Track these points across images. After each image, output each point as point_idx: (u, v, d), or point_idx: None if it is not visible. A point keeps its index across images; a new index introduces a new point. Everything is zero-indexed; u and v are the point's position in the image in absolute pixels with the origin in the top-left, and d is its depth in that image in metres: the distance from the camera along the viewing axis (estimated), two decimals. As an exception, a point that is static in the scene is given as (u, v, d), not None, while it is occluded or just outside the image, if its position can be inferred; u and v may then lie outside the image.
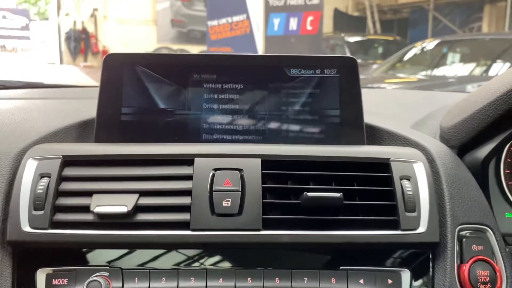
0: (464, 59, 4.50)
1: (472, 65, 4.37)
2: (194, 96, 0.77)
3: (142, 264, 0.63)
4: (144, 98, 0.76)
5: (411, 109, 0.96)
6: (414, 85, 3.93)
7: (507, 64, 3.92)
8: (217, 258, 0.64)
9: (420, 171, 0.67)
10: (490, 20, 10.04)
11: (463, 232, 0.64)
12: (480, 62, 4.28)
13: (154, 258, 0.63)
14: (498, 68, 3.93)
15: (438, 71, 4.44)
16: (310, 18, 6.24)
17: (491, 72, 3.90)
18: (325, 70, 0.77)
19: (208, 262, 0.64)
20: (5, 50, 13.85)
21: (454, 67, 4.38)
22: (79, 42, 11.99)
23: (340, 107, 0.76)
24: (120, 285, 0.61)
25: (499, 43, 4.36)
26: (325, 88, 0.77)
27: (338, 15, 11.27)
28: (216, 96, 0.77)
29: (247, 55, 0.78)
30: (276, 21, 6.41)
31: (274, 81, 0.77)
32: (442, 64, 4.55)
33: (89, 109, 0.81)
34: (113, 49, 11.87)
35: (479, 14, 10.24)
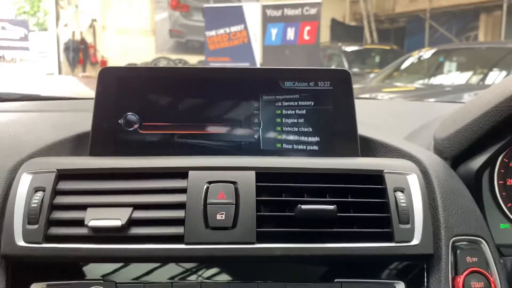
0: (461, 68, 4.53)
1: (468, 74, 4.39)
2: (188, 109, 0.77)
3: (137, 278, 0.63)
4: (139, 112, 0.77)
5: (405, 120, 0.97)
6: (411, 94, 3.95)
7: (504, 73, 3.94)
8: (211, 271, 0.64)
9: (414, 183, 0.67)
10: (486, 29, 10.11)
11: (457, 244, 0.64)
12: (477, 71, 4.31)
13: (149, 272, 0.63)
14: (495, 76, 3.95)
15: (435, 80, 4.46)
16: (307, 28, 6.27)
17: (488, 81, 3.92)
18: (319, 82, 0.78)
19: (203, 275, 0.63)
20: (4, 60, 13.87)
21: (451, 76, 4.40)
22: (78, 53, 12.01)
23: (333, 119, 0.77)
24: None
25: (496, 52, 4.39)
26: (319, 100, 0.77)
27: (335, 25, 11.34)
28: (210, 108, 0.77)
29: (241, 68, 0.79)
30: (274, 31, 6.43)
31: (268, 93, 0.78)
32: (439, 73, 4.58)
33: (84, 122, 0.81)
34: (112, 60, 11.92)
35: (475, 23, 10.31)
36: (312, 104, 0.77)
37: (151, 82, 0.77)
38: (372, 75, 5.61)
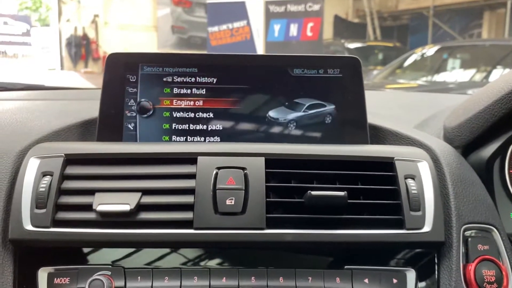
0: (464, 65, 4.51)
1: (472, 71, 4.37)
2: (196, 95, 0.76)
3: (145, 263, 0.62)
4: (147, 97, 0.76)
5: (414, 111, 0.96)
6: (415, 91, 3.93)
7: (507, 70, 3.92)
8: (220, 257, 0.63)
9: (425, 170, 0.66)
10: (489, 27, 10.07)
11: (469, 232, 0.64)
12: (480, 68, 4.29)
13: (157, 257, 0.63)
14: (498, 74, 3.93)
15: (438, 77, 4.44)
16: (310, 25, 6.26)
17: (491, 78, 3.91)
18: (328, 70, 0.77)
19: (212, 261, 0.63)
20: (6, 56, 13.87)
21: (454, 73, 4.38)
22: (80, 48, 12.01)
23: (343, 107, 0.76)
24: (123, 284, 0.60)
25: (499, 49, 4.37)
26: (328, 88, 0.77)
27: (338, 21, 11.31)
28: (219, 95, 0.76)
29: (250, 55, 0.78)
30: (277, 27, 6.42)
31: (277, 80, 0.77)
32: (442, 70, 4.56)
33: (91, 110, 0.81)
34: (114, 55, 11.87)
35: (478, 20, 10.27)
36: (321, 91, 0.77)
37: (159, 67, 0.77)
38: (375, 72, 5.60)
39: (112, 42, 11.93)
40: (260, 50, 6.53)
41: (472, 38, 10.16)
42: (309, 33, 6.29)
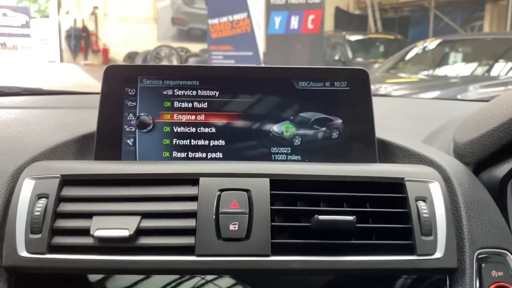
0: (466, 59, 4.48)
1: (474, 65, 4.34)
2: (198, 109, 0.73)
3: None
4: (146, 111, 0.73)
5: (422, 121, 0.93)
6: (416, 85, 3.91)
7: (509, 64, 3.90)
8: (224, 284, 0.61)
9: (437, 191, 0.63)
10: (491, 19, 10.00)
11: (482, 257, 0.61)
12: (482, 62, 4.26)
13: (157, 284, 0.60)
14: (500, 68, 3.90)
15: (440, 71, 4.42)
16: (311, 17, 6.20)
17: (493, 72, 3.88)
18: (335, 82, 0.74)
19: (215, 287, 0.61)
20: (5, 48, 13.81)
21: (456, 67, 4.36)
22: (80, 40, 11.95)
23: (351, 122, 0.73)
24: None
25: (501, 43, 4.34)
26: (335, 101, 0.74)
27: (340, 13, 11.24)
28: (221, 109, 0.74)
29: (254, 66, 0.75)
30: (277, 20, 6.37)
31: (282, 94, 0.74)
32: (443, 63, 4.53)
33: (88, 121, 0.78)
34: (114, 47, 11.86)
35: (480, 12, 10.20)
36: (327, 106, 0.74)
37: (159, 81, 0.74)
38: (376, 66, 5.57)
39: (112, 34, 11.87)
40: (261, 43, 6.48)
41: (474, 30, 10.10)
42: (310, 26, 6.24)
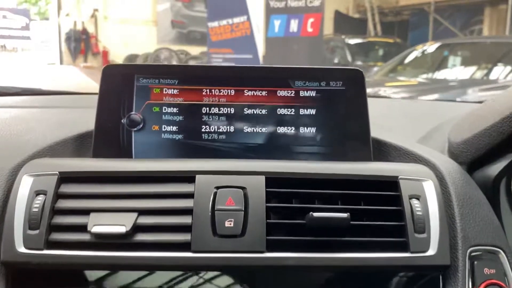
0: (465, 63, 4.49)
1: (473, 69, 4.35)
2: (193, 109, 0.74)
3: (140, 286, 0.60)
4: (144, 112, 0.74)
5: (417, 121, 0.94)
6: (415, 88, 3.91)
7: (508, 68, 3.91)
8: (219, 280, 0.61)
9: (430, 190, 0.64)
10: (491, 23, 10.03)
11: (475, 254, 0.62)
12: (481, 66, 4.27)
13: (155, 280, 0.61)
14: (499, 71, 3.92)
15: (439, 74, 4.43)
16: (311, 20, 6.23)
17: (492, 76, 3.89)
18: (331, 82, 0.75)
19: (210, 284, 0.61)
20: (5, 50, 13.82)
21: (455, 71, 4.37)
22: (79, 43, 11.96)
23: (346, 121, 0.74)
24: None
25: (500, 47, 4.35)
26: (330, 101, 0.74)
27: (339, 17, 11.26)
28: (216, 108, 0.74)
29: (250, 66, 0.76)
30: (277, 23, 6.39)
31: (277, 93, 0.75)
32: (443, 67, 4.54)
33: (87, 120, 0.79)
34: (114, 50, 11.87)
35: (479, 16, 10.23)
36: (323, 105, 0.74)
37: (157, 80, 0.74)
38: (375, 69, 5.58)
39: (112, 37, 11.88)
40: (260, 46, 6.50)
41: (473, 34, 10.13)
42: (309, 29, 6.26)
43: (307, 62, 6.14)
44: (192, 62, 9.02)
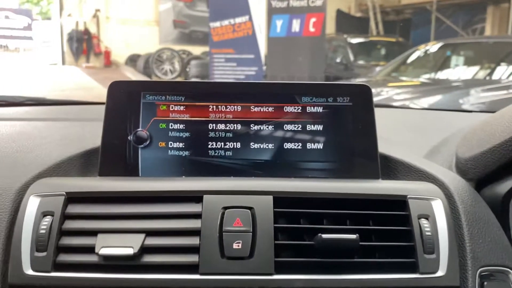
0: (468, 62, 4.49)
1: (475, 68, 4.34)
2: (200, 125, 0.74)
3: None
4: (151, 128, 0.74)
5: (423, 134, 0.94)
6: (418, 88, 3.91)
7: (511, 68, 3.90)
8: None
9: (439, 209, 0.64)
10: (493, 22, 10.01)
11: (484, 275, 0.61)
12: (484, 66, 4.26)
13: None
14: (502, 71, 3.90)
15: (442, 74, 4.42)
16: (313, 20, 6.21)
17: (495, 76, 3.88)
18: (338, 98, 0.74)
19: None
20: (7, 50, 13.84)
21: (458, 70, 4.36)
22: (81, 43, 11.97)
23: (353, 138, 0.73)
24: None
25: (503, 46, 4.34)
26: (337, 117, 0.74)
27: (341, 16, 11.25)
28: (223, 125, 0.74)
29: (257, 82, 0.75)
30: (279, 23, 6.37)
31: (283, 109, 0.74)
32: (445, 67, 4.53)
33: (93, 135, 0.79)
34: (116, 50, 11.89)
35: (482, 15, 10.21)
36: (330, 121, 0.74)
37: (163, 96, 0.74)
38: (378, 68, 5.57)
39: (114, 37, 11.90)
40: (262, 46, 6.49)
41: (476, 33, 10.10)
42: (311, 29, 6.24)
43: (309, 62, 6.13)
44: (194, 62, 9.00)
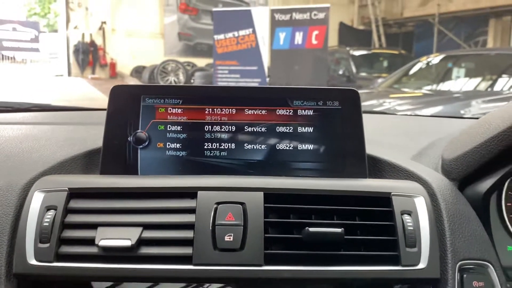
0: (469, 74, 4.51)
1: (477, 80, 4.36)
2: (196, 127, 0.78)
3: None
4: (150, 130, 0.78)
5: (413, 138, 0.97)
6: (419, 100, 3.93)
7: (512, 80, 3.92)
8: None
9: (421, 205, 0.67)
10: (495, 34, 10.06)
11: (464, 268, 0.65)
12: (485, 77, 4.28)
13: None
14: (503, 83, 3.93)
15: (443, 86, 4.44)
16: (315, 33, 6.28)
17: (496, 87, 3.90)
18: (327, 102, 0.78)
19: None
20: (14, 61, 14.01)
21: (459, 82, 4.38)
22: (87, 55, 12.12)
23: (342, 139, 0.77)
24: None
25: (505, 58, 4.37)
26: (327, 120, 0.78)
27: (343, 28, 11.34)
28: (218, 126, 0.78)
29: (250, 87, 0.79)
30: (282, 35, 6.45)
31: (276, 112, 0.78)
32: (447, 78, 4.56)
33: (95, 137, 0.83)
34: (121, 62, 12.00)
35: (484, 28, 10.26)
36: (320, 124, 0.78)
37: (162, 100, 0.78)
38: (380, 80, 5.60)
39: (119, 49, 12.02)
40: (266, 58, 6.56)
41: (478, 45, 10.14)
42: (314, 41, 6.31)
43: (312, 74, 6.18)
44: (198, 74, 9.09)
